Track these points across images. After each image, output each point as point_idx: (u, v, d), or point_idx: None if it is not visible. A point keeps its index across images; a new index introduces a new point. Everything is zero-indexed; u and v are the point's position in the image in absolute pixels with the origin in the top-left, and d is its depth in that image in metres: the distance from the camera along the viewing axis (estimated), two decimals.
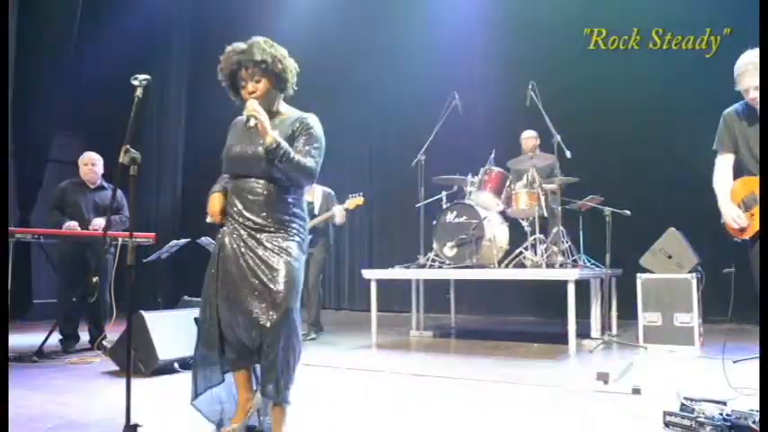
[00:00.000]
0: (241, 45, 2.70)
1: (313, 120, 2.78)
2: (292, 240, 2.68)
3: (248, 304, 2.56)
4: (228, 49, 2.73)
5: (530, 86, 6.12)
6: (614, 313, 6.30)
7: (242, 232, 2.65)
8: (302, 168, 2.65)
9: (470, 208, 6.08)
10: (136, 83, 2.58)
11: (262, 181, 2.66)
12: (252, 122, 2.58)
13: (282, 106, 2.84)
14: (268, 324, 2.53)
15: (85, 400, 3.63)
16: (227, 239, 2.68)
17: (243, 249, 2.63)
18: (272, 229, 2.65)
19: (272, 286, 2.56)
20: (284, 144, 2.60)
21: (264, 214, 2.65)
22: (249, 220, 2.65)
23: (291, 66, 2.76)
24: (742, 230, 3.37)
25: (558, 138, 5.96)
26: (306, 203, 2.86)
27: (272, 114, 2.75)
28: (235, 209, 2.69)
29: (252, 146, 2.66)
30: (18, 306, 8.34)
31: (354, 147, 9.27)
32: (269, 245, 2.63)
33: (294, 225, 2.71)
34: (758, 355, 4.25)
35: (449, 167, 6.60)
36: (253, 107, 2.60)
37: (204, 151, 9.45)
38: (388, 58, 8.89)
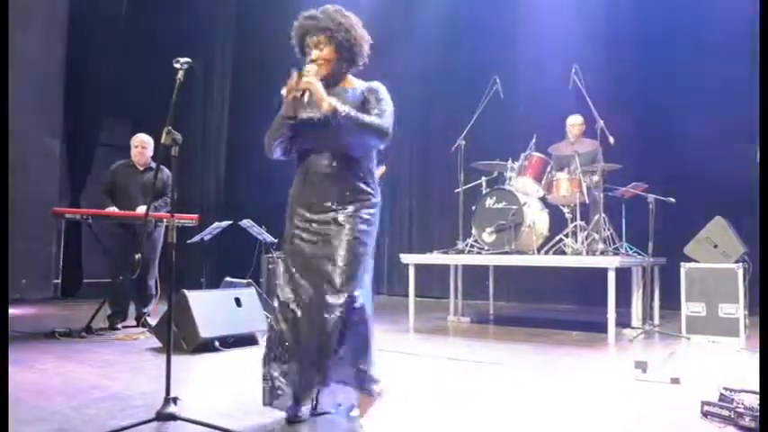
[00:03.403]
0: (311, 11, 2.65)
1: (380, 85, 2.69)
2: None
3: None
4: (302, 13, 2.68)
5: (573, 70, 6.02)
6: (656, 303, 6.18)
7: None
8: (372, 128, 2.56)
9: (510, 194, 6.03)
10: (177, 66, 2.64)
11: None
12: (305, 96, 2.51)
13: (349, 77, 2.74)
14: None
15: (129, 374, 3.75)
16: None
17: None
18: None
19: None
20: (342, 107, 2.51)
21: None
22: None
23: (360, 36, 2.66)
24: None
25: (602, 123, 5.85)
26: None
27: (336, 84, 2.68)
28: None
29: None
30: (69, 285, 8.68)
31: (394, 130, 9.25)
32: None
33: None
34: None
35: (489, 152, 6.55)
36: (306, 78, 2.50)
37: (247, 135, 9.63)
38: (429, 42, 8.83)
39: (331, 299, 2.47)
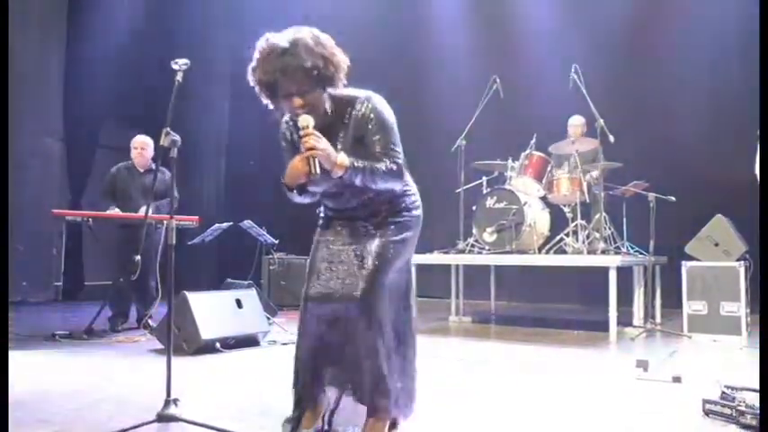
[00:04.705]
0: (278, 43, 2.18)
1: (375, 101, 2.35)
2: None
3: None
4: (263, 46, 2.21)
5: (573, 69, 6.01)
6: (658, 301, 6.17)
7: None
8: (385, 176, 2.30)
9: (511, 193, 6.03)
10: (176, 67, 2.63)
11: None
12: (314, 172, 2.19)
13: (328, 101, 2.33)
14: None
15: (130, 376, 3.76)
16: None
17: None
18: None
19: None
20: (358, 163, 2.25)
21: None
22: None
23: (342, 62, 2.27)
24: None
25: (602, 122, 5.83)
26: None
27: (323, 116, 2.31)
28: None
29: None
30: (71, 287, 8.68)
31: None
32: None
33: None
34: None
35: (489, 152, 6.55)
36: (310, 142, 2.18)
37: (248, 137, 9.63)
38: (430, 42, 8.83)
39: None
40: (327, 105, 2.32)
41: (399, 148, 2.34)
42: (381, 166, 2.28)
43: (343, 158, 2.22)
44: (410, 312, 2.52)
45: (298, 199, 2.38)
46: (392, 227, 2.41)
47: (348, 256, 2.38)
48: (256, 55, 2.22)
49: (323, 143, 2.19)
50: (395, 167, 2.31)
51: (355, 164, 2.24)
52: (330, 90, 2.28)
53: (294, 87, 2.18)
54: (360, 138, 2.32)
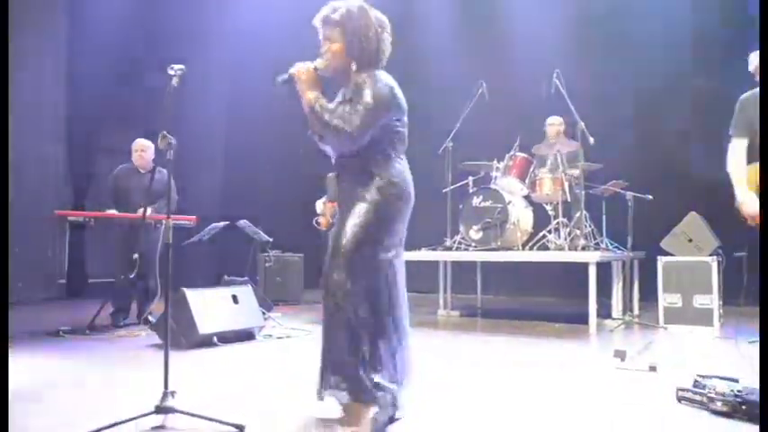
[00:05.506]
0: (335, 3, 2.48)
1: (372, 76, 2.41)
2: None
3: None
4: (326, 4, 2.52)
5: (555, 74, 6.03)
6: (635, 295, 6.21)
7: None
8: (328, 128, 2.35)
9: (496, 192, 6.04)
10: (171, 72, 2.62)
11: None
12: (279, 78, 2.44)
13: (358, 72, 2.45)
14: None
15: (130, 369, 3.74)
16: None
17: None
18: None
19: None
20: (317, 105, 2.36)
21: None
22: None
23: (375, 36, 2.48)
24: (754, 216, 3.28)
25: (582, 124, 5.86)
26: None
27: (344, 79, 2.49)
28: None
29: None
30: (74, 286, 8.63)
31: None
32: None
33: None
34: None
35: (475, 153, 6.56)
36: (295, 68, 2.43)
37: (246, 136, 9.60)
38: (418, 48, 8.82)
39: None
40: (357, 75, 2.45)
41: (360, 118, 2.31)
42: (334, 120, 2.32)
43: (314, 95, 2.37)
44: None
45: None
46: (356, 209, 2.39)
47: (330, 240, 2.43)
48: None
49: (304, 74, 2.41)
50: (344, 128, 2.31)
51: (315, 103, 2.36)
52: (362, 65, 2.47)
53: (326, 34, 2.49)
54: (349, 100, 2.39)
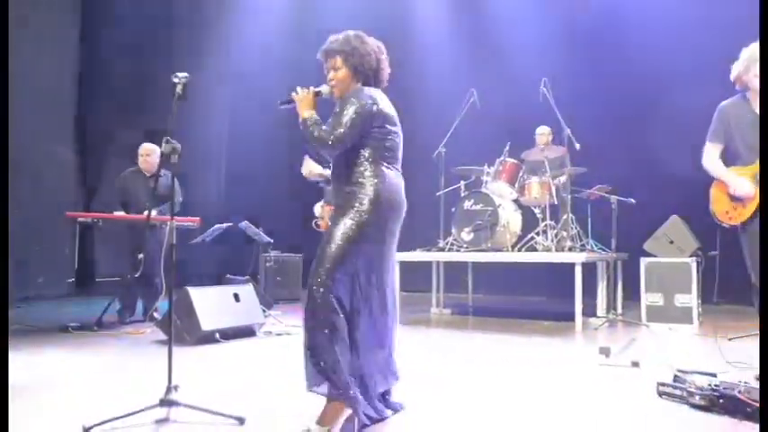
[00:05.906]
0: (336, 35, 2.58)
1: (359, 94, 2.46)
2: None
3: None
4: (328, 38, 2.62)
5: (542, 83, 6.05)
6: (619, 294, 6.23)
7: None
8: (314, 139, 2.42)
9: (486, 196, 6.06)
10: (176, 80, 2.62)
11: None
12: (281, 103, 2.59)
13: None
14: None
15: (135, 364, 3.73)
16: None
17: None
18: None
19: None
20: (309, 121, 2.45)
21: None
22: None
23: (376, 60, 2.58)
24: (736, 210, 3.26)
25: (569, 131, 5.88)
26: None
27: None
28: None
29: None
30: (83, 284, 8.60)
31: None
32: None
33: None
34: (750, 333, 4.20)
35: (467, 159, 6.57)
36: (296, 93, 2.54)
37: (246, 143, 9.59)
38: (412, 58, 8.84)
39: None
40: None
41: (341, 131, 2.38)
42: (317, 132, 2.41)
43: (308, 114, 2.47)
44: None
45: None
46: (345, 218, 2.39)
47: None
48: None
49: (302, 97, 2.52)
50: (324, 138, 2.38)
51: (308, 120, 2.46)
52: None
53: (331, 64, 2.57)
54: (335, 113, 2.47)
